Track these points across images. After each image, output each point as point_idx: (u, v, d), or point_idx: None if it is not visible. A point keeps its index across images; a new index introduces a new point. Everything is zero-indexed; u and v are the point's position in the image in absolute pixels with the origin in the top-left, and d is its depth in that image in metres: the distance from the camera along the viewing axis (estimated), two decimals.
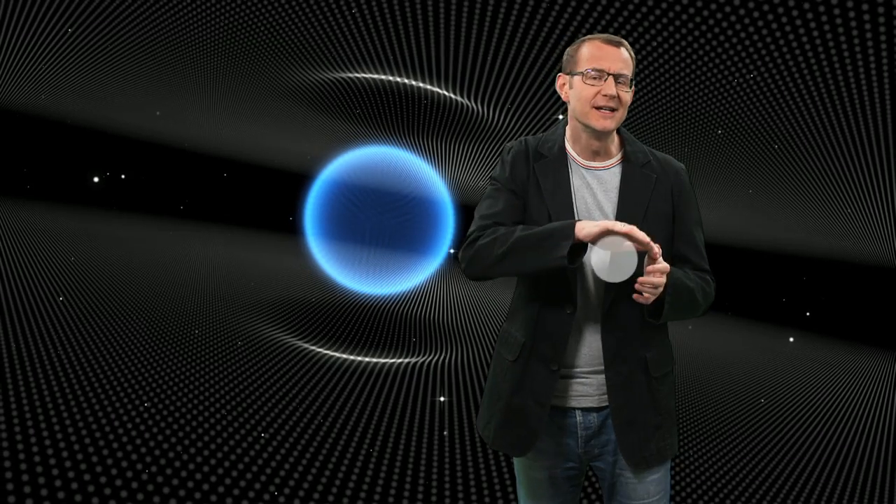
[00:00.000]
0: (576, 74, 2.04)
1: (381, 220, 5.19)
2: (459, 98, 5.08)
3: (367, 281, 5.41)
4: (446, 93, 5.08)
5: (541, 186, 2.04)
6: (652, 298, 1.90)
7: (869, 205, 4.81)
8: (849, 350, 5.03)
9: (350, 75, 5.06)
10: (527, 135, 2.35)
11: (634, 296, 1.91)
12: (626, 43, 2.04)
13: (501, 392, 2.13)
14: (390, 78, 5.09)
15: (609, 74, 2.00)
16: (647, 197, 2.02)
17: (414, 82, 5.09)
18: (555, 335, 2.05)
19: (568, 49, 2.10)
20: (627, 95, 2.03)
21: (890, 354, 4.89)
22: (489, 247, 2.02)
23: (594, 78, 2.01)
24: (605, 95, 2.00)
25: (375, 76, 5.08)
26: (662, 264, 1.91)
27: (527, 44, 4.80)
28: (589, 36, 2.07)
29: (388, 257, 5.35)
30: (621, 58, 2.01)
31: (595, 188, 2.05)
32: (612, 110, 2.01)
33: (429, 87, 5.08)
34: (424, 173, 5.34)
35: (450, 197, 5.35)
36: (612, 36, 2.04)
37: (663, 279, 1.90)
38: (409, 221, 5.26)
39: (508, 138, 5.03)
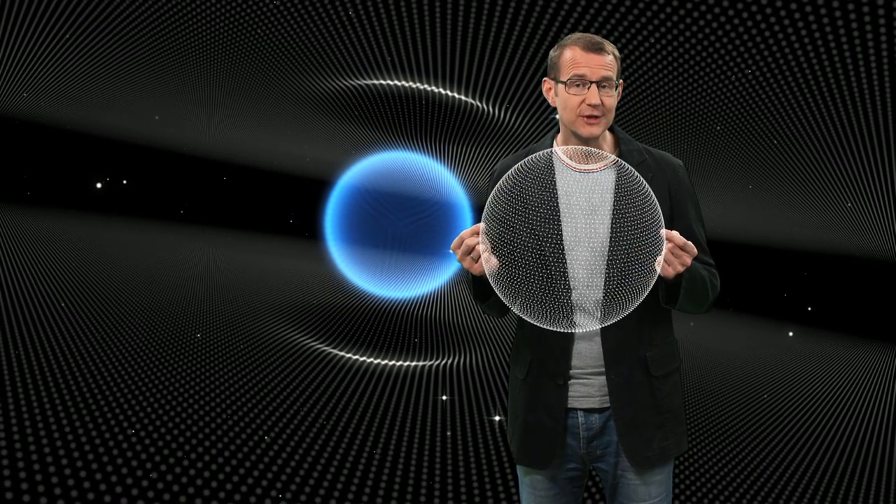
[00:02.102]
0: (559, 82, 2.03)
1: (399, 223, 5.20)
2: (471, 100, 5.08)
3: (384, 284, 5.42)
4: (458, 95, 5.08)
5: (526, 200, 2.02)
6: (673, 273, 1.87)
7: (870, 199, 4.80)
8: (851, 344, 5.02)
9: (351, 79, 5.06)
10: (522, 146, 2.35)
11: (662, 267, 1.86)
12: (606, 45, 2.01)
13: (518, 410, 2.16)
14: (394, 82, 5.09)
15: (591, 82, 1.98)
16: None
17: (422, 86, 5.09)
18: (557, 350, 2.06)
19: (551, 52, 2.07)
20: (612, 100, 2.01)
21: (892, 348, 4.89)
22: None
23: (577, 86, 1.99)
24: (590, 105, 1.98)
25: (379, 81, 5.08)
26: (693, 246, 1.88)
27: (524, 40, 4.80)
28: (570, 38, 2.04)
29: (407, 261, 5.35)
30: (602, 63, 1.98)
31: (590, 191, 2.04)
32: (598, 116, 2.00)
33: (438, 90, 5.08)
34: (440, 176, 5.35)
35: (466, 199, 5.36)
36: (593, 38, 2.01)
37: (689, 260, 1.87)
38: (427, 225, 5.27)
39: (521, 138, 5.03)
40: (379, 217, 5.28)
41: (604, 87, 1.99)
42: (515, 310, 1.95)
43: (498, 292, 1.93)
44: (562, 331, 1.95)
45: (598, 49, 1.99)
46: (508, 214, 1.95)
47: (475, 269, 1.93)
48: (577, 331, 1.98)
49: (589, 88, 1.98)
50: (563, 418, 2.07)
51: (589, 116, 1.99)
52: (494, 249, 1.92)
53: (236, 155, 5.22)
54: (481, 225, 1.92)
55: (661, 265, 1.87)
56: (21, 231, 4.72)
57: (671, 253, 1.86)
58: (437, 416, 4.42)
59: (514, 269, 1.93)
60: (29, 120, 4.72)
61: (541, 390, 2.09)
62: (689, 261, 1.87)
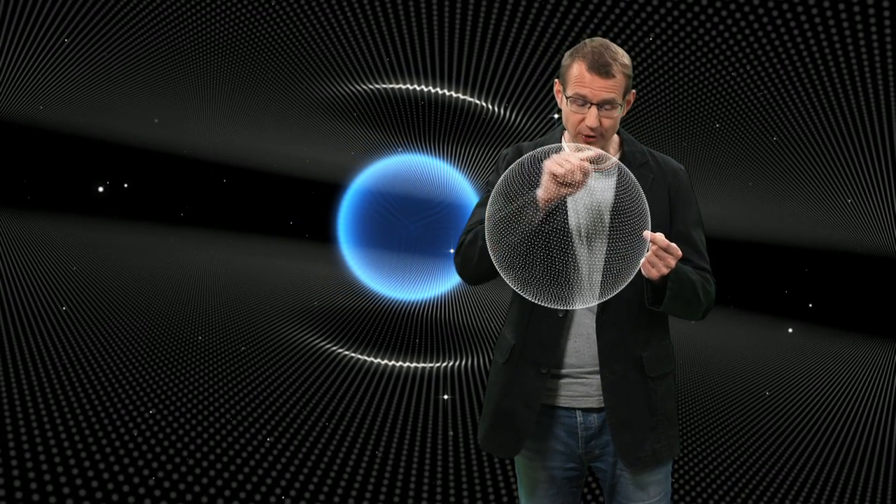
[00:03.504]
0: (564, 93, 2.02)
1: (411, 225, 5.21)
2: (477, 101, 5.08)
3: (393, 286, 5.43)
4: (463, 97, 5.08)
5: (536, 185, 2.01)
6: (657, 275, 1.86)
7: (870, 195, 4.80)
8: (853, 340, 5.02)
9: (350, 82, 5.07)
10: (523, 140, 2.34)
11: (645, 269, 1.86)
12: (614, 66, 1.95)
13: (493, 394, 2.15)
14: (395, 85, 5.09)
15: (591, 104, 1.96)
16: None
17: (426, 88, 5.09)
18: (545, 338, 2.06)
19: (565, 55, 2.04)
20: (612, 121, 1.98)
21: (893, 344, 4.89)
22: (471, 245, 2.04)
23: (578, 105, 1.97)
24: (588, 126, 1.96)
25: (379, 85, 5.09)
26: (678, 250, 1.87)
27: (522, 38, 4.80)
28: (583, 48, 1.99)
29: (417, 262, 5.37)
30: (605, 86, 1.94)
31: (593, 189, 2.04)
32: (596, 136, 1.98)
33: (443, 91, 5.08)
34: (449, 177, 5.36)
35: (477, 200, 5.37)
36: (602, 57, 1.95)
37: (673, 262, 1.86)
38: (437, 226, 5.28)
39: (529, 138, 5.04)
40: (390, 219, 5.30)
41: (604, 108, 1.96)
42: (511, 283, 1.92)
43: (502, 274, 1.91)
44: (558, 308, 1.93)
45: (604, 72, 1.94)
46: (520, 193, 1.90)
47: (561, 192, 1.86)
48: (574, 308, 1.96)
49: (589, 109, 1.96)
50: (538, 409, 2.06)
51: (587, 135, 1.98)
52: (503, 233, 1.90)
53: (236, 157, 5.23)
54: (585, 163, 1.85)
55: (645, 267, 1.87)
56: (22, 235, 4.74)
57: (655, 255, 1.85)
58: (438, 416, 4.43)
59: (520, 265, 1.94)
60: (28, 124, 4.73)
61: (520, 376, 2.08)
62: (672, 263, 1.86)
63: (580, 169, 1.85)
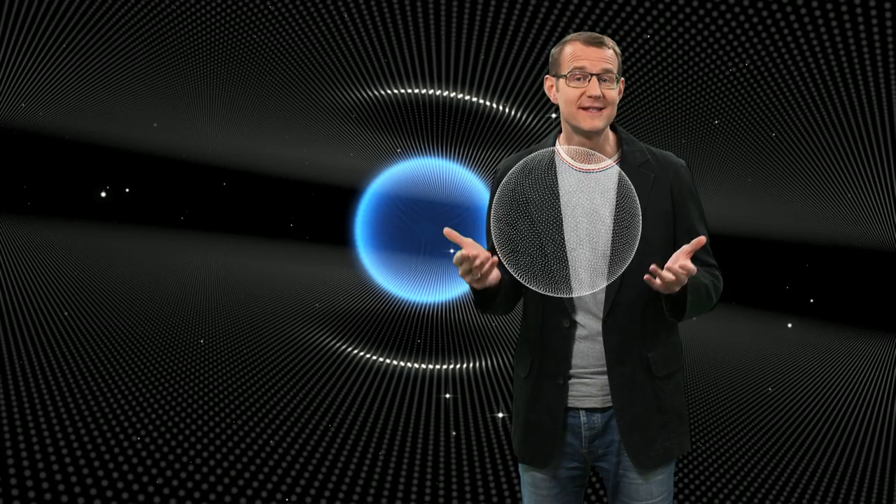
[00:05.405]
0: (560, 77, 2.04)
1: (426, 228, 5.21)
2: (477, 100, 5.08)
3: (407, 289, 5.44)
4: (461, 96, 5.08)
5: (528, 198, 2.03)
6: (678, 287, 1.88)
7: (869, 190, 4.80)
8: (855, 335, 5.02)
9: (352, 84, 5.07)
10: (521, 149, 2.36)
11: (647, 279, 1.88)
12: (607, 40, 2.02)
13: (520, 408, 2.17)
14: (396, 89, 5.09)
15: (592, 75, 1.99)
16: (644, 197, 2.01)
17: (425, 89, 5.09)
18: (558, 350, 2.07)
19: (552, 50, 2.09)
20: (613, 93, 2.01)
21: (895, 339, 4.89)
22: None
23: (577, 79, 2.00)
24: (590, 96, 1.99)
25: (379, 87, 5.09)
26: (692, 266, 1.89)
27: (524, 37, 4.80)
28: (570, 36, 2.05)
29: (432, 265, 5.37)
30: (603, 56, 2.00)
31: (592, 191, 2.04)
32: (599, 109, 2.00)
33: (444, 92, 5.08)
34: (465, 180, 5.36)
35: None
36: (594, 34, 2.02)
37: (686, 278, 1.88)
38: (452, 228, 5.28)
39: (539, 137, 5.04)
40: (407, 222, 5.30)
41: (605, 80, 1.99)
42: (519, 278, 1.97)
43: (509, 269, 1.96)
44: (561, 296, 1.99)
45: (599, 43, 2.00)
46: (511, 214, 1.97)
47: (477, 286, 1.96)
48: (574, 295, 2.01)
49: (589, 81, 1.99)
50: (562, 418, 2.08)
51: (589, 108, 2.00)
52: (499, 247, 1.96)
53: (236, 161, 5.23)
54: (471, 247, 1.92)
55: (668, 285, 1.88)
56: (23, 241, 4.74)
57: (675, 276, 1.86)
58: (440, 416, 4.43)
59: (517, 269, 1.95)
60: (27, 130, 4.73)
61: (542, 389, 2.10)
62: (685, 278, 1.89)
63: (481, 262, 1.90)
